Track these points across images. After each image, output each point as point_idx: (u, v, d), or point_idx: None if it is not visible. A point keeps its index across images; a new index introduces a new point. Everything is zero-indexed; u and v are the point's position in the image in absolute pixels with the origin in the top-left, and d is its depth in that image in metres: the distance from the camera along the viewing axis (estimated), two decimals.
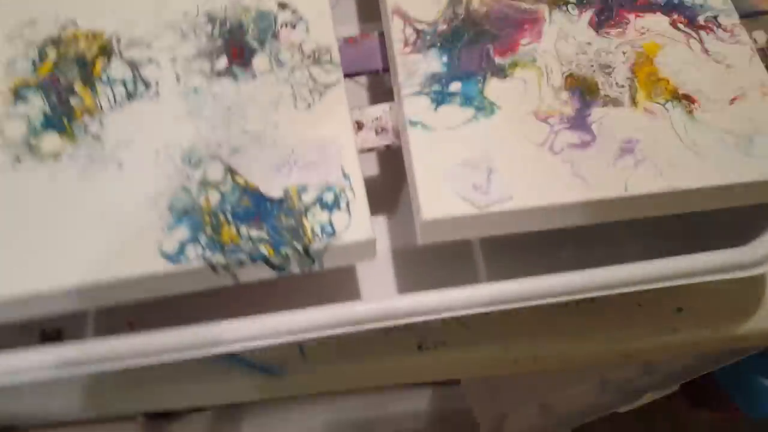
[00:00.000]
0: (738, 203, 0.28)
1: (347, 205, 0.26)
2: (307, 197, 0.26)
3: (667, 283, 0.28)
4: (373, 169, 0.37)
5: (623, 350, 0.31)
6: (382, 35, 0.33)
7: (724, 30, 0.30)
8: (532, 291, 0.26)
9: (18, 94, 0.28)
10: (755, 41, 0.33)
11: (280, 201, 0.26)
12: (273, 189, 0.26)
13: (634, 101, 0.28)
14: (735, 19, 0.31)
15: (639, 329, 0.31)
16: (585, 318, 0.30)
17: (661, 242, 0.32)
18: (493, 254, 0.34)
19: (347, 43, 0.32)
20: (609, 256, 0.31)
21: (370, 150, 0.30)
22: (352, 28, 0.41)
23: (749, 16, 0.34)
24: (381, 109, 0.31)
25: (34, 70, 0.29)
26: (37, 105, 0.28)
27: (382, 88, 0.38)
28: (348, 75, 0.31)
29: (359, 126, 0.31)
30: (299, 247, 0.25)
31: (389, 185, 0.37)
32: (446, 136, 0.27)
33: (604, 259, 0.31)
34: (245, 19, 0.30)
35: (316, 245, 0.25)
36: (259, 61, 0.29)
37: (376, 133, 0.31)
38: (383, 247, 0.34)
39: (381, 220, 0.36)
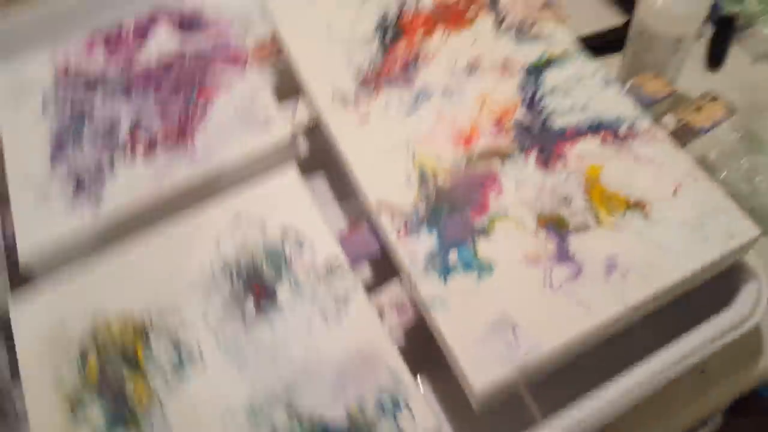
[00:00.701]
0: (713, 274, 0.33)
1: (406, 403, 0.29)
2: (369, 410, 0.29)
3: (694, 360, 0.32)
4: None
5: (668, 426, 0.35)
6: (369, 221, 0.38)
7: (644, 133, 0.37)
8: (598, 411, 0.30)
9: (75, 406, 0.31)
10: (667, 126, 0.40)
11: (347, 425, 0.29)
12: (336, 414, 0.29)
13: (598, 221, 0.34)
14: (648, 121, 0.38)
15: (673, 402, 0.35)
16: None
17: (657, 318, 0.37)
18: None
19: (342, 238, 0.37)
20: (627, 345, 0.36)
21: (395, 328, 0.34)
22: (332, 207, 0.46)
23: (652, 105, 0.41)
24: (394, 288, 0.35)
25: (81, 375, 0.31)
26: (96, 410, 0.30)
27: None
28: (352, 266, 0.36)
29: (379, 310, 0.35)
30: None
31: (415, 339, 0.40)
32: (464, 303, 0.32)
33: (624, 349, 0.35)
34: (257, 257, 0.34)
35: None
36: (282, 293, 0.33)
37: (397, 311, 0.35)
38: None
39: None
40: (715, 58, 0.53)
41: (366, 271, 0.40)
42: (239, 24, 0.44)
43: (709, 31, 0.55)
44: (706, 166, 0.46)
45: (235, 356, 0.31)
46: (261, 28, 0.45)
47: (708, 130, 0.40)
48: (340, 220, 0.45)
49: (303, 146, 0.42)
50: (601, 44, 0.54)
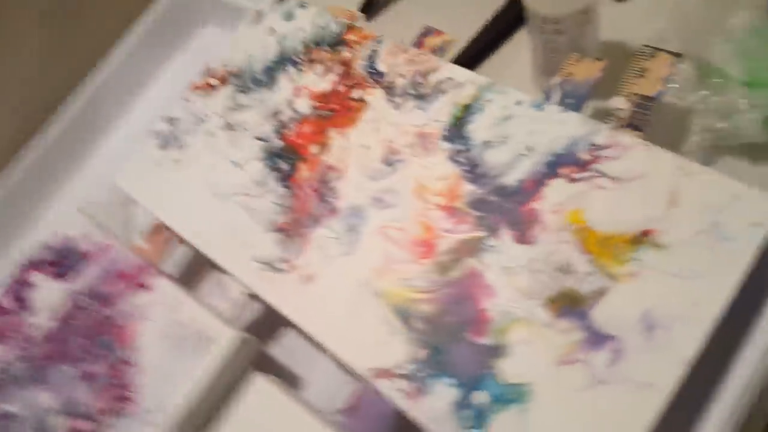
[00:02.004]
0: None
1: None
2: None
3: None
4: None
5: None
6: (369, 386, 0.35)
7: (607, 147, 0.35)
8: None
9: None
10: (621, 110, 0.38)
11: None
12: None
13: (612, 276, 0.32)
14: (605, 131, 0.35)
15: None
16: None
17: None
18: None
19: (347, 413, 0.35)
20: None
21: None
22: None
23: (591, 92, 0.39)
24: None
25: None
26: None
27: None
28: None
29: None
30: None
31: None
32: None
33: None
34: None
35: None
36: None
37: None
38: None
39: None
40: None
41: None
42: (121, 232, 0.41)
43: None
44: (681, 122, 0.44)
45: None
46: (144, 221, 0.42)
47: (664, 92, 0.38)
48: (335, 379, 0.42)
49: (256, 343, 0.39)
50: (494, 37, 0.52)
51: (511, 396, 0.31)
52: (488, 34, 0.51)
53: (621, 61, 0.42)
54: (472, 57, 0.50)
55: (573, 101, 0.38)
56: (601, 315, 0.31)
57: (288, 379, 0.40)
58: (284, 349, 0.42)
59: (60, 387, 0.38)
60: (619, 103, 0.38)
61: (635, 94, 0.38)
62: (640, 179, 0.33)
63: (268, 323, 0.43)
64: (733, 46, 0.42)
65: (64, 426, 0.37)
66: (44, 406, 0.37)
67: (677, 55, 0.39)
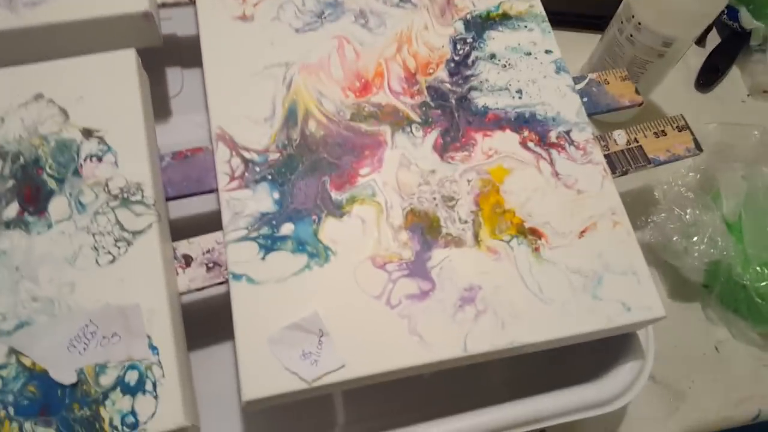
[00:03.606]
0: (585, 341, 0.30)
1: (154, 386, 0.26)
2: (106, 379, 0.25)
3: (534, 426, 0.30)
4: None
5: None
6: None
7: (577, 147, 0.32)
8: None
9: None
10: (616, 142, 0.36)
11: (74, 386, 0.25)
12: (65, 371, 0.25)
13: (477, 239, 0.30)
14: (588, 133, 0.33)
15: None
16: None
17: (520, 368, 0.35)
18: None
19: (176, 159, 0.32)
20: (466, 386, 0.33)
21: (200, 290, 0.30)
22: (200, 115, 0.41)
23: (610, 111, 0.37)
24: (213, 239, 0.31)
25: None
26: None
27: None
28: (176, 197, 0.32)
29: (187, 261, 0.31)
30: None
31: None
32: (274, 291, 0.27)
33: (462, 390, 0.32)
34: (43, 151, 0.29)
35: None
36: (56, 206, 0.28)
37: (207, 269, 0.31)
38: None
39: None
40: (709, 77, 0.48)
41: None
42: None
43: (712, 41, 0.50)
44: (646, 201, 0.42)
45: None
46: None
47: (661, 164, 0.36)
48: (197, 131, 0.39)
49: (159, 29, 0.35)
50: (589, 15, 0.48)
51: (311, 249, 0.29)
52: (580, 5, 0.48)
53: (657, 113, 0.39)
54: (557, 18, 0.46)
55: (588, 101, 0.35)
56: (438, 257, 0.29)
57: (159, 98, 0.38)
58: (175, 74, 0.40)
59: None
60: (620, 138, 0.36)
61: (638, 144, 0.36)
62: (576, 192, 0.31)
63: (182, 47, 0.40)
64: (748, 188, 0.40)
65: None
66: None
67: (699, 149, 0.36)
